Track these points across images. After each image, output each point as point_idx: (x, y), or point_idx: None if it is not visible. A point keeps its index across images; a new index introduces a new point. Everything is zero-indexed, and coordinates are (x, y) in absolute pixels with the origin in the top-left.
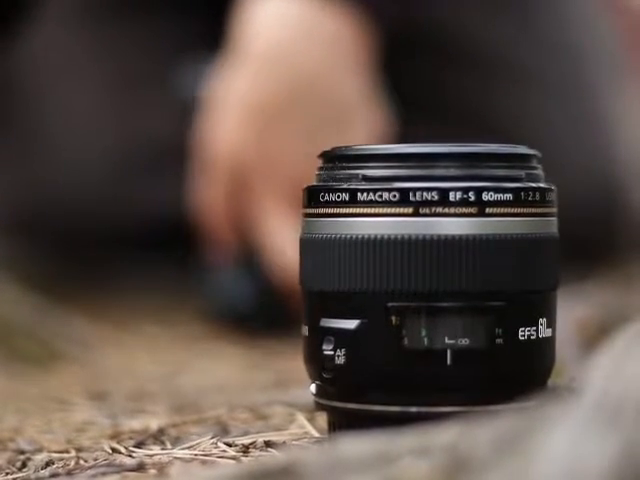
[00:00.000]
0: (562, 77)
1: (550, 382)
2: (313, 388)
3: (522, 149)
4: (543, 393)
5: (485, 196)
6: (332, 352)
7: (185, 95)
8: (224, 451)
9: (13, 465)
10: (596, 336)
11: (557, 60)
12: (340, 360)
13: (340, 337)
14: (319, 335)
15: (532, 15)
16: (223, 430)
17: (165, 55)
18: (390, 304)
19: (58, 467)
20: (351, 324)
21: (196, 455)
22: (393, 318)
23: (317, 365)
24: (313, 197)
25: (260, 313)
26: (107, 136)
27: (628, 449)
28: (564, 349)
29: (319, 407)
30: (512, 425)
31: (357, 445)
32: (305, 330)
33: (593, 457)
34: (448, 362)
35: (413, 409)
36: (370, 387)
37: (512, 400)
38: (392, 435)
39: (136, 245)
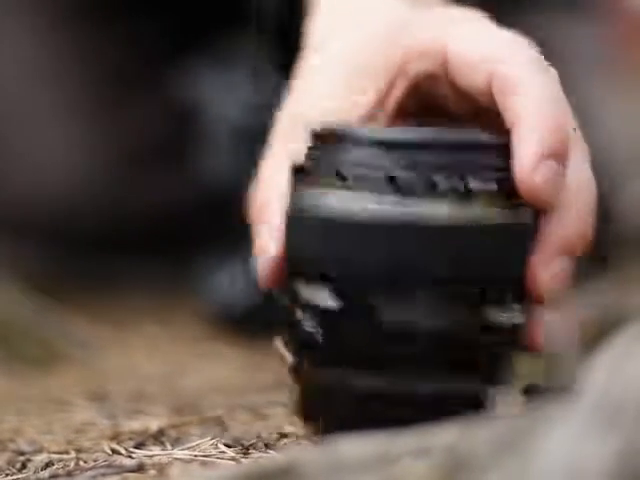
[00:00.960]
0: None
1: (549, 382)
2: (289, 358)
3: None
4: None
5: (469, 184)
6: (313, 329)
7: (184, 95)
8: (224, 452)
9: (13, 466)
10: (596, 336)
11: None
12: (319, 338)
13: (321, 316)
14: (300, 311)
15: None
16: (223, 431)
17: (159, 55)
18: (370, 287)
19: (58, 468)
20: (333, 304)
21: (196, 456)
22: (372, 300)
23: (297, 340)
24: (299, 175)
25: (257, 314)
26: (94, 134)
27: (628, 449)
28: (563, 349)
29: (294, 379)
30: (512, 425)
31: (357, 446)
32: (286, 301)
33: (593, 457)
34: (424, 344)
35: (387, 386)
36: (347, 365)
37: (487, 383)
38: (392, 435)
39: (133, 245)
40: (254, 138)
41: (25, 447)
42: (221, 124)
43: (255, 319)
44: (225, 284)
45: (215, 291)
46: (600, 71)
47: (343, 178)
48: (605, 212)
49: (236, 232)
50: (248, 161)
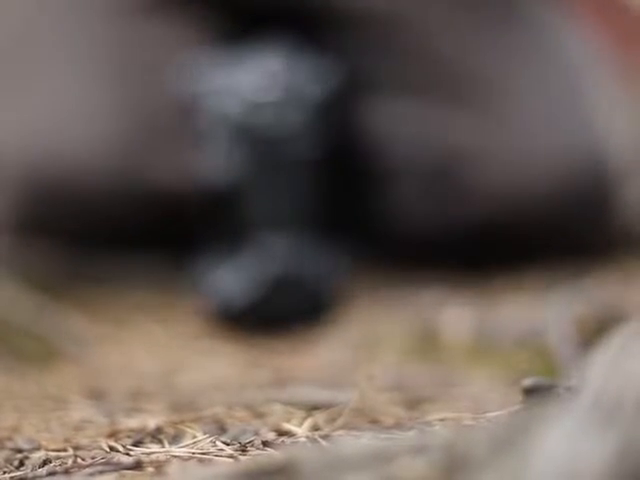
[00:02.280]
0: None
1: (548, 380)
2: None
3: None
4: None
5: None
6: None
7: (182, 92)
8: (222, 449)
9: (11, 464)
10: (594, 334)
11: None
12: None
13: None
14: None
15: (511, 12)
16: (221, 428)
17: (166, 51)
18: None
19: (56, 465)
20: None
21: (194, 453)
22: None
23: None
24: None
25: (255, 310)
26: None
27: (626, 447)
28: (562, 347)
29: None
30: (509, 424)
31: (355, 443)
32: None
33: (591, 455)
34: None
35: None
36: None
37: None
38: (390, 434)
39: (132, 243)
40: (254, 137)
41: (23, 444)
42: (221, 122)
43: (254, 316)
44: (224, 282)
45: (214, 289)
46: (602, 70)
47: None
48: (609, 210)
49: (235, 230)
50: (248, 160)
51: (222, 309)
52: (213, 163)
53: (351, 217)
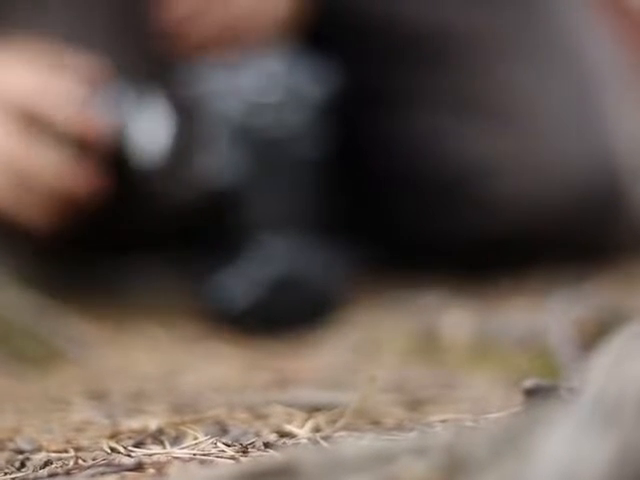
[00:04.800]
0: (556, 60)
1: (549, 382)
2: None
3: None
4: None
5: None
6: None
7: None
8: (223, 451)
9: (12, 465)
10: (595, 336)
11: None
12: None
13: None
14: None
15: (530, 15)
16: (222, 430)
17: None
18: None
19: (57, 467)
20: None
21: (195, 455)
22: None
23: None
24: None
25: (257, 312)
26: None
27: (626, 449)
28: (563, 349)
29: None
30: (510, 425)
31: (356, 445)
32: None
33: (591, 458)
34: None
35: None
36: None
37: None
38: (391, 436)
39: (132, 245)
40: (255, 138)
41: (24, 446)
42: (222, 123)
43: (255, 318)
44: (225, 284)
45: (215, 291)
46: (617, 72)
47: None
48: (620, 216)
49: (236, 232)
50: (249, 161)
51: (223, 311)
52: (214, 164)
53: (355, 220)
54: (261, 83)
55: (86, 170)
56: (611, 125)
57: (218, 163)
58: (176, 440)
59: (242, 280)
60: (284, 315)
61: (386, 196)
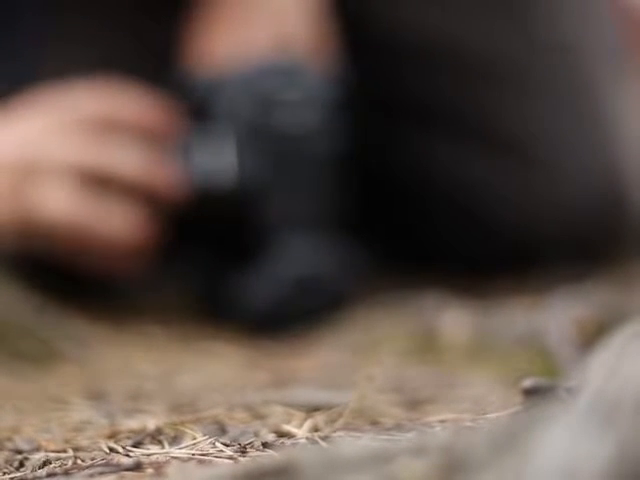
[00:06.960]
0: (558, 76)
1: (548, 381)
2: None
3: None
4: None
5: None
6: None
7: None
8: (221, 451)
9: (10, 465)
10: (594, 336)
11: (551, 59)
12: None
13: None
14: None
15: (523, 14)
16: (220, 430)
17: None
18: None
19: (55, 467)
20: None
21: (193, 455)
22: None
23: None
24: None
25: (276, 311)
26: None
27: (625, 448)
28: (562, 348)
29: None
30: (509, 425)
31: (355, 445)
32: None
33: (590, 457)
34: None
35: None
36: None
37: None
38: (390, 435)
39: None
40: (272, 136)
41: (23, 445)
42: (238, 121)
43: (274, 318)
44: (243, 284)
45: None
46: (619, 70)
47: None
48: (625, 223)
49: (253, 231)
50: (266, 160)
51: (241, 310)
52: (229, 163)
53: (372, 221)
54: (277, 82)
55: (156, 225)
56: (611, 128)
57: (234, 161)
58: (175, 440)
59: (260, 280)
60: (303, 314)
61: (389, 198)
